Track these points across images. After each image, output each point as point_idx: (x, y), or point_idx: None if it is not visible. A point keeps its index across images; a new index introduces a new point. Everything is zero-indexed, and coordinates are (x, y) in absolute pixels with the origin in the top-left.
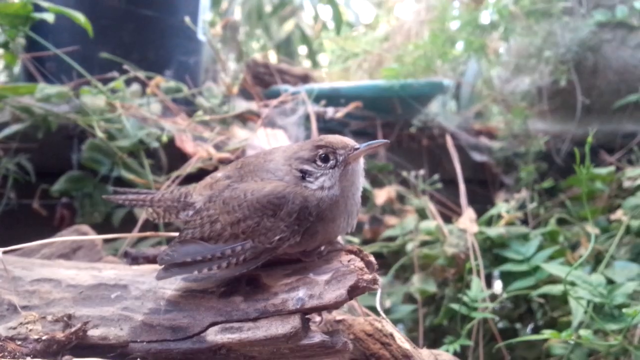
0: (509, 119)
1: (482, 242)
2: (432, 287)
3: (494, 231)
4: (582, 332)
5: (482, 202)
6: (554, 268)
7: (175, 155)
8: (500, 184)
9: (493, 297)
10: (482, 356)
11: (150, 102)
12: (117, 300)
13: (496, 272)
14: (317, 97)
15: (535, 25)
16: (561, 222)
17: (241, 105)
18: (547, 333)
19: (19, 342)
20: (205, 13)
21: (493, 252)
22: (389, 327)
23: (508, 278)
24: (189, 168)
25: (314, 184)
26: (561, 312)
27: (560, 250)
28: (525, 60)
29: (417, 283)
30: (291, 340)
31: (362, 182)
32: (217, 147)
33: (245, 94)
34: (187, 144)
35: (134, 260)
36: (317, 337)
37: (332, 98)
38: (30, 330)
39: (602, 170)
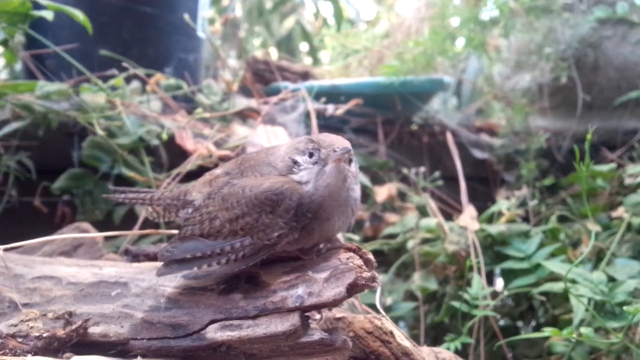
0: (509, 115)
1: (483, 240)
2: (433, 285)
3: (494, 228)
4: (583, 329)
5: (482, 200)
6: (555, 265)
7: (175, 153)
8: (501, 181)
9: (494, 295)
10: (483, 354)
11: (150, 100)
12: (117, 298)
13: (497, 270)
14: (317, 94)
15: (535, 21)
16: (562, 219)
17: (241, 103)
18: (548, 331)
19: (20, 340)
20: (204, 10)
21: (494, 249)
22: (388, 324)
23: (509, 276)
24: (189, 165)
25: (296, 176)
26: (562, 310)
27: (561, 248)
28: (525, 57)
29: (418, 281)
30: (290, 337)
31: (354, 184)
32: (217, 144)
33: (245, 91)
34: (187, 142)
35: (135, 257)
36: (316, 335)
37: (332, 95)
38: (31, 327)
39: (603, 168)
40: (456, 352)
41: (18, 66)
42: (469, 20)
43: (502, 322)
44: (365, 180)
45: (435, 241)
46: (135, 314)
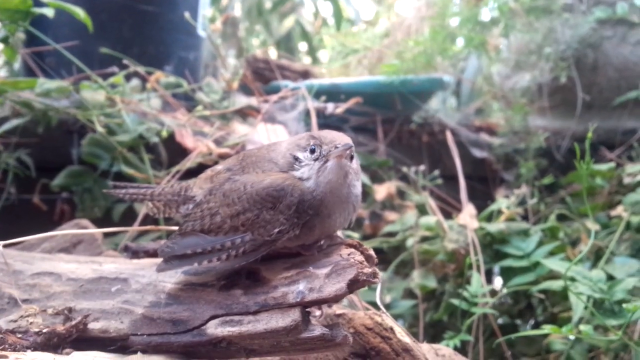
0: (509, 115)
1: (482, 238)
2: (432, 283)
3: (494, 227)
4: (582, 327)
5: (482, 198)
6: (554, 264)
7: (175, 150)
8: (501, 180)
9: (493, 293)
10: (482, 351)
11: (150, 97)
12: (117, 294)
13: (496, 268)
14: (317, 93)
15: (535, 22)
16: (561, 218)
17: (241, 101)
18: (547, 328)
19: (20, 335)
20: (205, 8)
21: (493, 247)
22: (389, 321)
23: (508, 274)
24: (188, 163)
25: (297, 172)
26: (561, 308)
27: (560, 246)
28: (525, 57)
29: (417, 278)
30: (291, 333)
31: (355, 180)
32: (217, 142)
33: (246, 89)
34: (187, 139)
35: (135, 254)
36: (317, 331)
37: (332, 94)
38: (31, 323)
39: (602, 167)
40: (455, 349)
41: (18, 64)
42: (468, 20)
43: (501, 320)
44: (365, 179)
45: (435, 239)
46: (135, 310)
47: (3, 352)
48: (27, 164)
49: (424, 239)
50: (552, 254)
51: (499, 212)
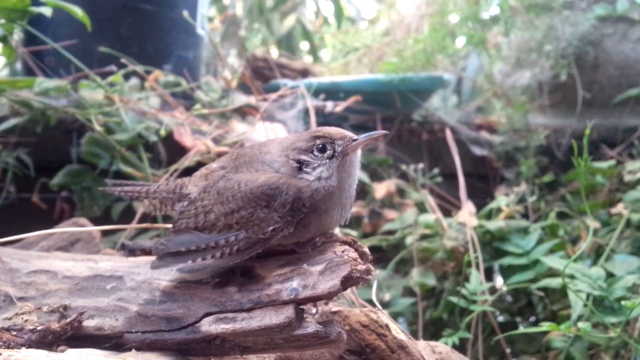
0: (509, 113)
1: (482, 236)
2: (431, 281)
3: (493, 225)
4: (581, 324)
5: (482, 196)
6: (554, 261)
7: (174, 149)
8: (501, 179)
9: (493, 291)
10: (482, 349)
11: (149, 97)
12: (112, 291)
13: (497, 266)
14: (317, 91)
15: (535, 19)
16: (562, 216)
17: (240, 100)
18: (546, 325)
19: (15, 333)
20: (204, 7)
21: (493, 245)
22: (384, 318)
23: (508, 271)
24: (187, 161)
25: (311, 175)
26: (561, 306)
27: (560, 244)
28: (526, 55)
29: (416, 276)
30: (285, 330)
31: (358, 174)
32: (216, 140)
33: (245, 88)
34: (185, 138)
35: (131, 252)
36: (311, 327)
37: (332, 92)
38: (26, 320)
39: (603, 164)
40: (454, 347)
41: (18, 63)
42: (468, 17)
43: (501, 318)
44: (364, 177)
45: (434, 237)
46: (130, 308)
47: None
48: (27, 163)
49: (424, 237)
50: (552, 251)
51: (499, 210)
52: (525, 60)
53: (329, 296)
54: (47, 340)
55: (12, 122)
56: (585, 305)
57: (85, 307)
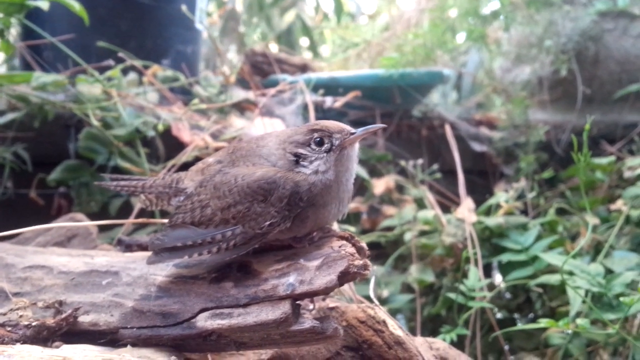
0: (509, 109)
1: (481, 232)
2: (429, 277)
3: (492, 221)
4: (579, 321)
5: (482, 193)
6: (552, 257)
7: (172, 144)
8: (501, 175)
9: (492, 287)
10: (480, 346)
11: (147, 91)
12: (108, 287)
13: (496, 263)
14: (316, 87)
15: (536, 14)
16: (561, 212)
17: (239, 95)
18: (544, 322)
19: (9, 329)
20: (202, 2)
21: (492, 242)
22: (381, 314)
23: (507, 268)
24: (184, 157)
25: (308, 168)
26: (559, 302)
27: (559, 240)
28: (526, 50)
29: (414, 273)
30: (281, 326)
31: (355, 169)
32: (214, 136)
33: (244, 83)
34: (183, 133)
35: (128, 247)
36: (307, 323)
37: (331, 87)
38: (21, 316)
39: (602, 160)
40: (452, 343)
41: (17, 58)
42: (468, 12)
43: (499, 315)
44: (363, 173)
45: (433, 233)
46: (125, 303)
47: None
48: (24, 159)
49: (423, 233)
50: (551, 248)
51: (498, 206)
52: (526, 56)
53: (325, 291)
54: (42, 336)
55: (10, 116)
56: (583, 302)
57: (81, 303)
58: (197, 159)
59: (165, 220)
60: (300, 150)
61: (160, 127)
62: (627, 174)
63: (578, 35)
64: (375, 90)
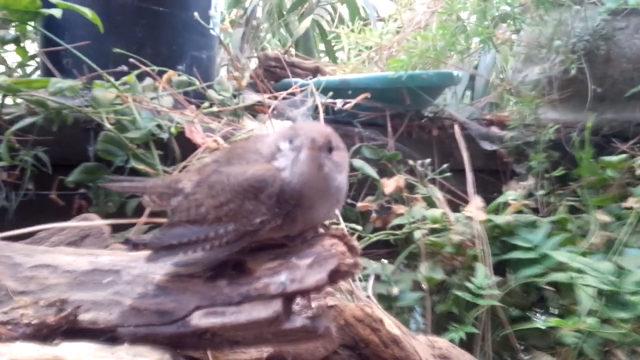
0: (520, 108)
1: (490, 230)
2: (439, 275)
3: (501, 219)
4: (589, 320)
5: (493, 192)
6: (562, 255)
7: (187, 146)
8: (512, 173)
9: (502, 285)
10: (490, 344)
11: (162, 96)
12: (109, 285)
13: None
14: (326, 89)
15: (545, 14)
16: (574, 210)
17: (251, 98)
18: (552, 321)
19: (10, 327)
20: (217, 9)
21: (502, 240)
22: (379, 312)
23: (517, 266)
24: (195, 159)
25: (277, 162)
26: (571, 300)
27: (569, 238)
28: (536, 51)
29: (424, 271)
30: (273, 324)
31: (336, 172)
32: (226, 137)
33: (258, 87)
34: (196, 135)
35: (135, 246)
36: (298, 322)
37: (341, 90)
38: (22, 315)
39: (613, 158)
40: (461, 342)
41: (34, 64)
42: (476, 13)
43: (513, 313)
44: (372, 172)
45: (443, 232)
46: (124, 301)
47: None
48: (44, 161)
49: (433, 232)
50: (561, 245)
51: (507, 204)
52: (535, 56)
53: (316, 289)
54: (42, 334)
55: (28, 121)
56: (594, 300)
57: (83, 301)
58: None
59: None
60: (281, 144)
61: (174, 130)
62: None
63: (588, 34)
64: (385, 92)
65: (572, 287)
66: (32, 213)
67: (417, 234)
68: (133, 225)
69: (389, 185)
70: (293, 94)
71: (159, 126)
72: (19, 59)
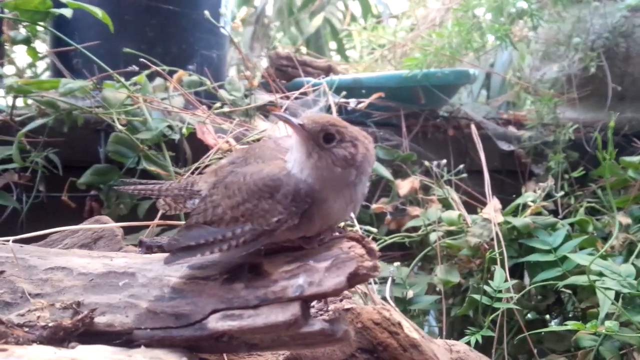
0: (538, 107)
1: (508, 233)
2: (455, 278)
3: (519, 221)
4: (608, 323)
5: (511, 193)
6: (581, 258)
7: (199, 147)
8: (530, 174)
9: (520, 288)
10: (507, 348)
11: (173, 96)
12: (124, 288)
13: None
14: (339, 89)
15: (563, 11)
16: (593, 212)
17: (263, 98)
18: (570, 324)
19: (27, 329)
20: (228, 7)
21: (520, 242)
22: (397, 316)
23: (535, 268)
24: (207, 159)
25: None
26: (590, 304)
27: (589, 240)
28: (554, 48)
29: (440, 274)
30: (291, 327)
31: (342, 168)
32: (238, 138)
33: (269, 86)
34: (208, 136)
35: (148, 249)
36: (316, 325)
37: (354, 89)
38: (38, 317)
39: (634, 159)
40: (478, 345)
41: (44, 65)
42: (493, 10)
43: (529, 316)
44: (387, 173)
45: (459, 234)
46: (140, 304)
47: (3, 346)
48: (55, 163)
49: (449, 234)
50: (581, 248)
51: (526, 205)
52: (554, 54)
53: (334, 293)
54: (59, 337)
55: (38, 122)
56: (614, 304)
57: (98, 304)
58: None
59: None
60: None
61: (185, 131)
62: None
63: (608, 31)
64: (399, 90)
65: (592, 290)
66: (43, 215)
67: (433, 237)
68: (145, 227)
69: (404, 186)
70: (305, 94)
71: (170, 127)
72: (29, 59)
